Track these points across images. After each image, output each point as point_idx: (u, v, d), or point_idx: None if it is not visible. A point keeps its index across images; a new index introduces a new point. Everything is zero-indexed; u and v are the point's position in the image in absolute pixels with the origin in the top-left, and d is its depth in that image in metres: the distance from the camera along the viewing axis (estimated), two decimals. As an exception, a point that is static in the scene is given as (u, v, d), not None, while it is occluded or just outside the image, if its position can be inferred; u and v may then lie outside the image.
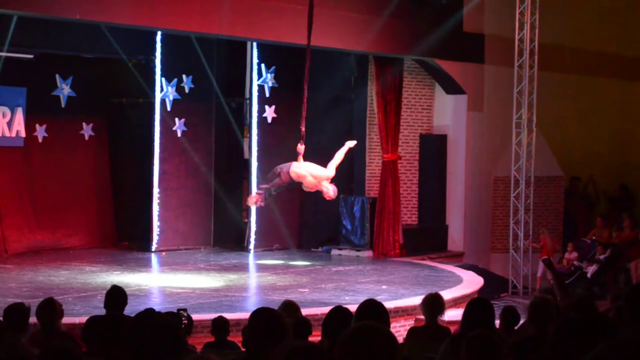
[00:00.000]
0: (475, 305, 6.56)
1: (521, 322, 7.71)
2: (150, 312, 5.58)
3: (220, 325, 8.75)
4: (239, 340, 8.36)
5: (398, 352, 3.51)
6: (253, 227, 19.11)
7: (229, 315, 9.53)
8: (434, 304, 8.30)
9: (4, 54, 16.43)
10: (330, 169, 13.15)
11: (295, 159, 13.11)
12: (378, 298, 5.97)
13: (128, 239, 19.65)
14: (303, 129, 13.08)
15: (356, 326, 3.61)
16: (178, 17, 15.57)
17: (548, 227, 19.86)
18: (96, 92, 19.21)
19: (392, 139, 19.10)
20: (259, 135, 19.06)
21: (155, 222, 18.67)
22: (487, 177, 20.44)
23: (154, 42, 18.40)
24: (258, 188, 13.48)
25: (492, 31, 20.16)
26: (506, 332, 7.59)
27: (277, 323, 4.83)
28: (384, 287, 15.10)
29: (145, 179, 18.85)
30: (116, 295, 8.07)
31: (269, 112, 19.17)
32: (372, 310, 5.56)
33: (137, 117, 19.34)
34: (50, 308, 7.56)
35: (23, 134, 18.06)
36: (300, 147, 13.02)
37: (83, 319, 8.70)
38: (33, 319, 7.46)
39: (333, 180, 13.29)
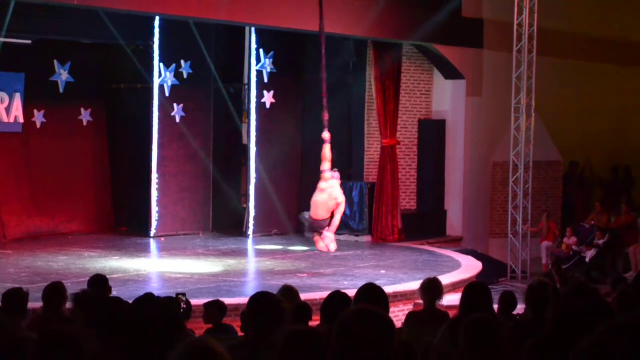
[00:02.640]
0: (472, 289, 6.57)
1: (519, 306, 7.72)
2: (149, 296, 5.59)
3: (216, 308, 8.76)
4: (238, 325, 8.37)
5: (395, 336, 3.51)
6: (252, 212, 19.10)
7: (227, 300, 9.54)
8: (432, 289, 8.31)
9: (2, 39, 16.38)
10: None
11: (323, 143, 13.63)
12: (377, 283, 5.96)
13: (127, 225, 19.64)
14: (326, 116, 13.25)
15: (353, 310, 3.61)
16: (176, 3, 15.54)
17: (547, 211, 19.84)
18: (94, 77, 19.18)
19: (391, 124, 19.08)
20: (257, 120, 19.03)
21: (154, 208, 18.65)
22: (485, 162, 20.42)
23: (153, 28, 18.33)
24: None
25: (491, 16, 20.10)
26: (504, 316, 7.60)
27: (276, 308, 4.84)
28: (382, 272, 15.11)
29: (143, 165, 18.82)
30: (98, 282, 8.13)
31: (268, 98, 19.13)
32: (371, 294, 5.55)
33: (136, 102, 19.28)
34: (57, 293, 7.58)
35: (21, 120, 18.04)
36: (326, 135, 13.19)
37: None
38: (31, 304, 7.47)
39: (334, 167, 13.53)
